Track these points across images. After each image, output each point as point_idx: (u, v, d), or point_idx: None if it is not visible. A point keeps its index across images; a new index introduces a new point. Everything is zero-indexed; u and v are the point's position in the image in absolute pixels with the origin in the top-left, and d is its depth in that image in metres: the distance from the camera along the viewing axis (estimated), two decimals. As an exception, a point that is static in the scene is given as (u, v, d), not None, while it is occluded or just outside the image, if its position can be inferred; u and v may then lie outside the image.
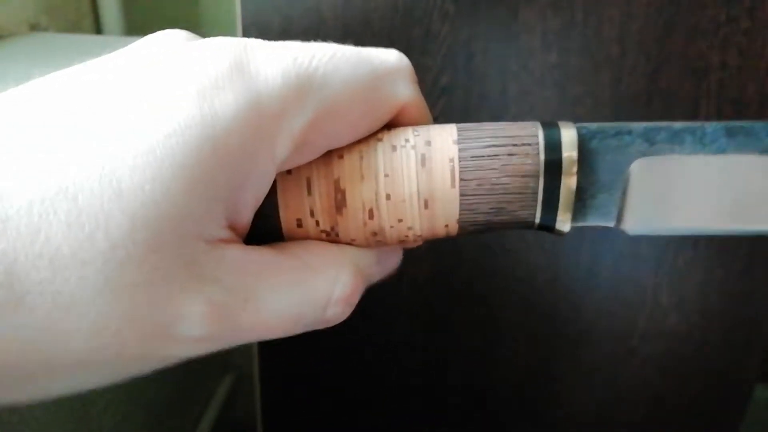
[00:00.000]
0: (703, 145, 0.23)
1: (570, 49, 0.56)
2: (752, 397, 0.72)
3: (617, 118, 0.58)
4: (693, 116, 0.57)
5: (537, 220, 0.23)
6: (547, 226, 0.23)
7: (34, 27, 0.79)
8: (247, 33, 0.59)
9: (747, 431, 0.74)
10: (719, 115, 0.57)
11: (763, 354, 0.70)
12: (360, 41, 0.57)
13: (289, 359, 0.75)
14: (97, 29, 0.87)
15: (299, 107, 0.19)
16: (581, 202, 0.23)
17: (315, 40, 0.21)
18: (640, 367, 0.70)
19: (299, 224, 0.22)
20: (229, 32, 0.26)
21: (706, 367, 0.70)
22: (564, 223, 0.23)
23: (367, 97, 0.21)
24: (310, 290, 0.21)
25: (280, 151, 0.19)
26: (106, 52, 0.20)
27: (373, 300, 0.71)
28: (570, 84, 0.57)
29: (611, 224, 0.24)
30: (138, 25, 0.81)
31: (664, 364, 0.70)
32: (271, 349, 0.74)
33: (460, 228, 0.23)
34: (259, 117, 0.18)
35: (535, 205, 0.23)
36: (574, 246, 0.64)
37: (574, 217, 0.23)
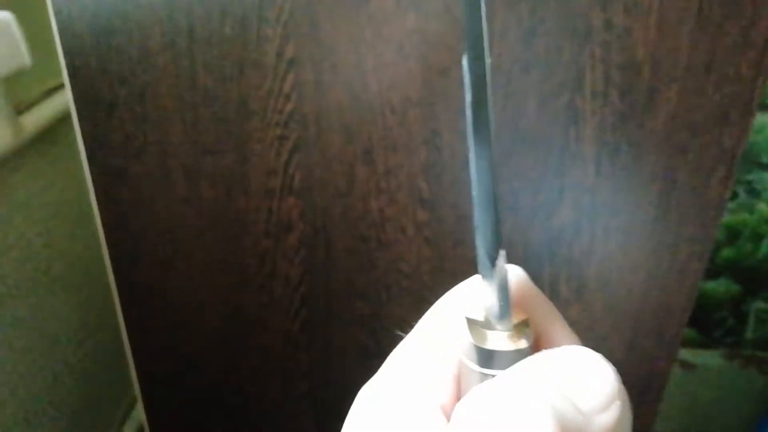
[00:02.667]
0: None
1: (429, 12, 0.49)
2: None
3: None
4: (578, 86, 0.50)
5: None
6: None
7: None
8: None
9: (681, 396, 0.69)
10: (606, 83, 0.50)
11: (681, 326, 0.64)
12: (190, 11, 0.49)
13: (170, 383, 0.69)
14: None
15: None
16: None
17: None
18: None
19: None
20: None
21: (616, 356, 0.64)
22: None
23: None
24: None
25: None
26: None
27: (245, 301, 0.65)
28: (433, 52, 0.50)
29: None
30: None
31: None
32: (153, 380, 0.68)
33: None
34: None
35: None
36: (460, 236, 0.57)
37: None
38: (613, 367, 0.20)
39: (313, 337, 0.64)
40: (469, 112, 0.19)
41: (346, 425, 0.23)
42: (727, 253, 1.15)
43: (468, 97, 0.18)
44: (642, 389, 0.66)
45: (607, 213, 0.55)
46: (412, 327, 0.25)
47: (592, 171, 0.53)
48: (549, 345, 0.22)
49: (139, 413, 0.73)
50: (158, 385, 0.69)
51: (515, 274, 0.24)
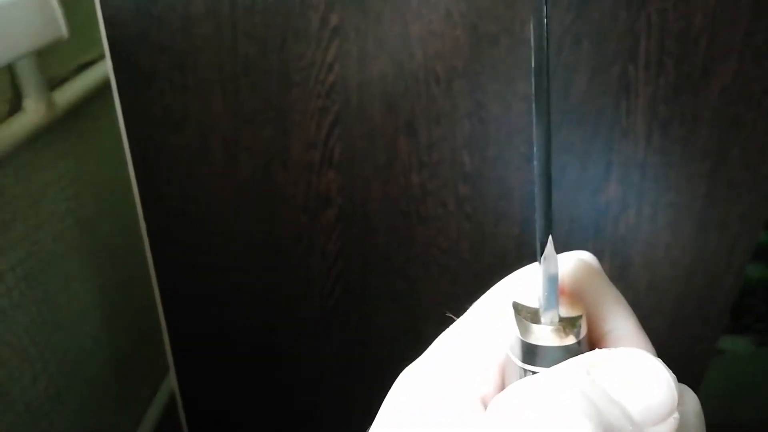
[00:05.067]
0: None
1: (480, -22, 0.47)
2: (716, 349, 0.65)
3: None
4: (632, 55, 0.48)
5: None
6: None
7: None
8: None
9: (711, 381, 0.68)
10: (661, 53, 0.48)
11: (726, 308, 0.62)
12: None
13: (203, 354, 0.68)
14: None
15: None
16: None
17: None
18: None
19: None
20: None
21: (658, 336, 0.62)
22: None
23: None
24: None
25: None
26: None
27: (281, 276, 0.65)
28: (483, 21, 0.48)
29: None
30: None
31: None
32: (186, 352, 0.68)
33: None
34: None
35: None
36: (502, 212, 0.56)
37: None
38: (674, 377, 0.18)
39: (348, 314, 0.63)
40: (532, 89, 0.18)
41: (384, 404, 0.22)
42: (761, 237, 1.13)
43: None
44: (682, 372, 0.65)
45: (656, 189, 0.54)
46: (465, 309, 0.23)
47: (642, 145, 0.52)
48: (612, 345, 0.20)
49: (171, 383, 0.73)
50: (191, 360, 0.69)
51: (581, 260, 0.22)
